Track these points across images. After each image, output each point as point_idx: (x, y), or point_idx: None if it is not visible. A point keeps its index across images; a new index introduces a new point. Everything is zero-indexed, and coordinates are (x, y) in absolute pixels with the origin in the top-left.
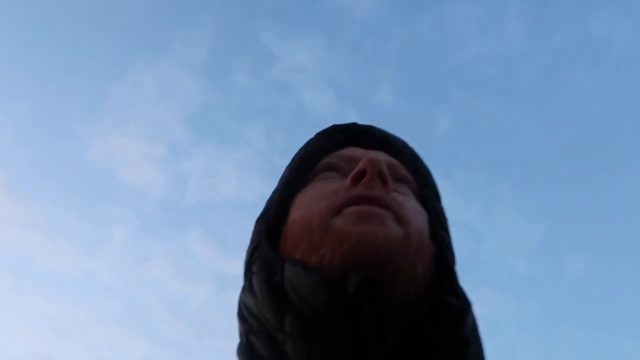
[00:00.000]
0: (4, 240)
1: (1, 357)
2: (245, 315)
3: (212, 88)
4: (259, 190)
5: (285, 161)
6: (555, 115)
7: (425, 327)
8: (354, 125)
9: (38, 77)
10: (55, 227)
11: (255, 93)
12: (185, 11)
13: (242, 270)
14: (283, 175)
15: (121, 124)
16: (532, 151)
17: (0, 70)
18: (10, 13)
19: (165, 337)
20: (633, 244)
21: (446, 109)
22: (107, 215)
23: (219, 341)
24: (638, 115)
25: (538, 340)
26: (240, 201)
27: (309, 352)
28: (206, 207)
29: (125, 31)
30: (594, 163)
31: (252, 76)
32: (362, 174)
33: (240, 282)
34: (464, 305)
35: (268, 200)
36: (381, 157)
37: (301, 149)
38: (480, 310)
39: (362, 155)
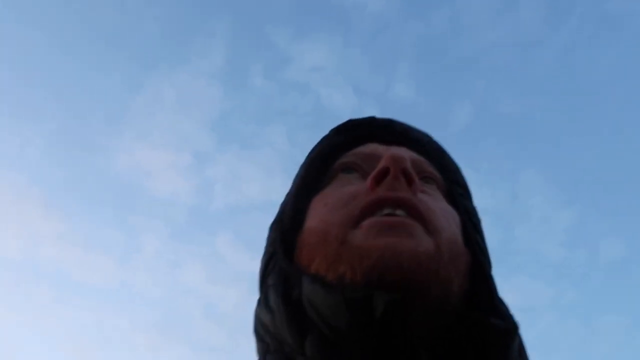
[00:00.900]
0: (42, 255)
1: None
2: (261, 333)
3: (231, 94)
4: (284, 191)
5: None
6: (577, 96)
7: (463, 350)
8: (372, 119)
9: (62, 96)
10: (89, 239)
11: (273, 95)
12: (199, 20)
13: (258, 282)
14: (297, 175)
15: (145, 136)
16: (556, 135)
17: (27, 92)
18: (32, 37)
19: (201, 340)
20: None
21: (466, 99)
22: (139, 225)
23: (253, 342)
24: None
25: (577, 327)
26: (266, 202)
27: None
28: (233, 210)
29: (141, 45)
30: (620, 143)
31: (269, 79)
32: (384, 173)
33: None
34: (510, 328)
35: (282, 204)
36: (404, 153)
37: (315, 147)
38: (515, 299)
39: (383, 152)
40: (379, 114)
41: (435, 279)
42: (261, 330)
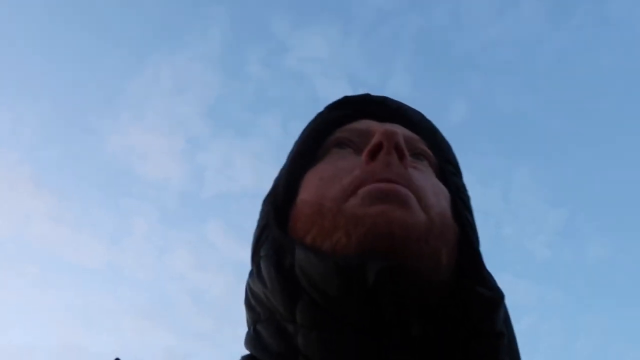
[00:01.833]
0: (31, 234)
1: (34, 347)
2: (252, 303)
3: (228, 80)
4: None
5: None
6: (574, 98)
7: (453, 319)
8: (366, 96)
9: (57, 75)
10: (79, 220)
11: (270, 84)
12: (199, 4)
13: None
14: (291, 151)
15: (139, 118)
16: (551, 135)
17: (20, 70)
18: (27, 14)
19: (188, 326)
20: None
21: (463, 95)
22: (129, 208)
23: (239, 330)
24: None
25: (561, 326)
26: (258, 191)
27: (324, 345)
28: (224, 198)
29: (139, 27)
30: (614, 146)
31: (266, 67)
32: (379, 147)
33: None
34: (496, 296)
35: (276, 179)
36: (398, 129)
37: (310, 123)
38: None
39: (377, 129)
40: None
41: (425, 249)
42: (253, 300)
